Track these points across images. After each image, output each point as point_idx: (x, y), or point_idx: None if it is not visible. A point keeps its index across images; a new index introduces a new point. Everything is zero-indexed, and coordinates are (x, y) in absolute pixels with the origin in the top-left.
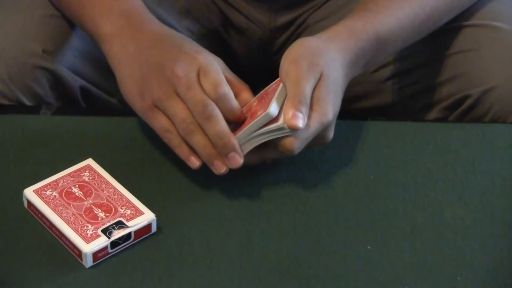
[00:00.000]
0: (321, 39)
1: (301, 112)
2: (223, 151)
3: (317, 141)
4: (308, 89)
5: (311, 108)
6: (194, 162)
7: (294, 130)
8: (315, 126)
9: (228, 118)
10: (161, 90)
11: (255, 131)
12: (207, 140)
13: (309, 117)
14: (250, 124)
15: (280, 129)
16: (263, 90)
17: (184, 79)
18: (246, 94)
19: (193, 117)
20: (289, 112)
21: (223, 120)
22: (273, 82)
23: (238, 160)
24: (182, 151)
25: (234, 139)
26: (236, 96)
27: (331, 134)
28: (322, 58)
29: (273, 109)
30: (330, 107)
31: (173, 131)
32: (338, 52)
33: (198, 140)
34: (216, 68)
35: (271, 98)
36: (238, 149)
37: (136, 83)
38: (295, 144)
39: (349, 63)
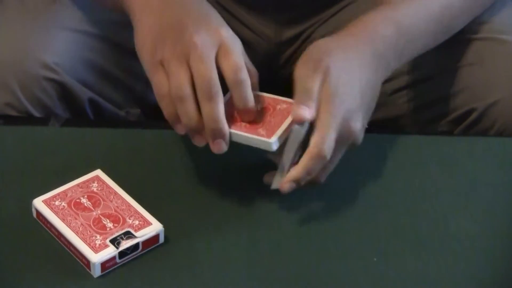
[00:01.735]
0: (333, 37)
1: (305, 105)
2: (212, 134)
3: (346, 138)
4: (312, 85)
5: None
6: (180, 129)
7: (299, 122)
8: (330, 124)
9: (238, 105)
10: (173, 51)
11: (245, 142)
12: (195, 113)
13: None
14: (247, 135)
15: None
16: (276, 98)
17: (200, 49)
18: (253, 79)
19: (190, 86)
20: (295, 108)
21: (222, 104)
22: (286, 99)
23: (223, 147)
24: (170, 113)
25: (227, 128)
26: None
27: (356, 125)
28: (328, 56)
29: (274, 142)
30: (334, 106)
31: (169, 93)
32: (353, 50)
33: (187, 110)
34: (238, 49)
35: (278, 124)
36: (227, 138)
37: (152, 36)
38: (326, 144)
39: (372, 58)
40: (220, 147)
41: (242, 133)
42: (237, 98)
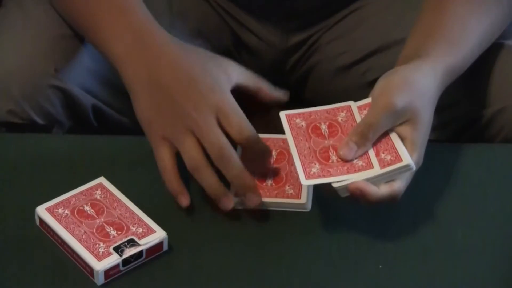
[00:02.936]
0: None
1: (357, 143)
2: (244, 191)
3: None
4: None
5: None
6: (183, 201)
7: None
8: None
9: (257, 159)
10: (175, 127)
11: (278, 207)
12: (215, 178)
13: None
14: (278, 200)
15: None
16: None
17: (202, 124)
18: (263, 93)
19: (204, 155)
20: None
21: (239, 161)
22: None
23: (256, 200)
24: (173, 187)
25: (254, 180)
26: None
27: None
28: (418, 101)
29: (307, 203)
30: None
31: (172, 168)
32: (435, 95)
33: (207, 177)
34: (234, 107)
35: None
36: (257, 191)
37: (150, 109)
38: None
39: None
40: (254, 201)
41: (273, 200)
42: (253, 153)
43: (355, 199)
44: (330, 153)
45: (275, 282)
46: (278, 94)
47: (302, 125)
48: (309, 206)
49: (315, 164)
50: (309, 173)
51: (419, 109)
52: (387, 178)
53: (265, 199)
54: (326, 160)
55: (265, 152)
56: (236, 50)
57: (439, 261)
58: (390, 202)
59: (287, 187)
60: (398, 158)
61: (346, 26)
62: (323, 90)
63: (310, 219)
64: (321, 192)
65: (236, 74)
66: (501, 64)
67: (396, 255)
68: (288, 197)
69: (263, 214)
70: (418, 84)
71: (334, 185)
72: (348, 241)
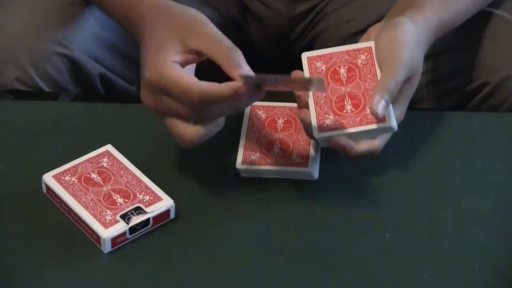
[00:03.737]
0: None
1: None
2: (230, 109)
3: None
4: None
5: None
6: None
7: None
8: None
9: (227, 102)
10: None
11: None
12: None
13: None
14: (285, 168)
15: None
16: (293, 107)
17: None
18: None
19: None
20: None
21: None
22: None
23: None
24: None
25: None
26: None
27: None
28: (419, 60)
29: (315, 170)
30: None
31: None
32: (425, 49)
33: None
34: (171, 78)
35: (307, 142)
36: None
37: None
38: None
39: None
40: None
41: (280, 168)
42: (217, 103)
43: (334, 151)
44: (345, 102)
45: (282, 251)
46: (234, 84)
47: (322, 70)
48: (316, 174)
49: (329, 115)
50: (322, 125)
51: (419, 64)
52: (370, 135)
53: (272, 168)
54: (340, 110)
55: (228, 93)
56: (243, 19)
57: (446, 229)
58: (368, 157)
59: (294, 156)
60: (384, 118)
61: None
62: None
63: (316, 187)
64: (328, 159)
65: (194, 41)
66: (507, 32)
67: (403, 224)
68: (295, 165)
69: (270, 182)
70: (416, 38)
71: (315, 135)
72: (354, 210)
